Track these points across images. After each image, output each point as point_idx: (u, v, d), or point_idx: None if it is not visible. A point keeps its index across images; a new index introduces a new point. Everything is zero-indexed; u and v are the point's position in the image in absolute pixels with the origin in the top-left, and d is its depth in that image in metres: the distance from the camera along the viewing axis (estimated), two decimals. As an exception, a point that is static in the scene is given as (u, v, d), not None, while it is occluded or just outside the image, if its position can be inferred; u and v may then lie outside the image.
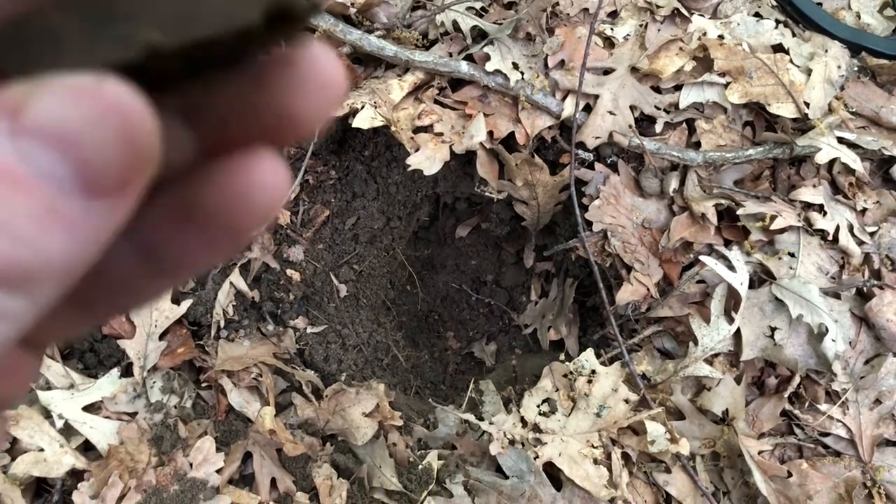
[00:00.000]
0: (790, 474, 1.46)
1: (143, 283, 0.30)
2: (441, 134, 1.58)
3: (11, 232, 0.21)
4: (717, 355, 1.53)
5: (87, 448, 1.37)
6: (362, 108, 1.57)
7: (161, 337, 1.49)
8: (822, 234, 1.60)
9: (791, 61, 1.68)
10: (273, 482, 1.44)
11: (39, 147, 0.22)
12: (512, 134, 1.61)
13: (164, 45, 0.23)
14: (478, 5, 1.67)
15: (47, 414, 1.35)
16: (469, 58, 1.63)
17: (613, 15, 1.73)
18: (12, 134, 0.21)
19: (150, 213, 0.28)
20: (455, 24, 1.64)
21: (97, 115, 0.22)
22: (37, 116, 0.22)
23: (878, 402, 1.52)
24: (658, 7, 1.69)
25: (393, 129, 1.57)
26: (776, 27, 1.72)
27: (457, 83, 1.66)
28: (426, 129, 1.60)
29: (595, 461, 1.44)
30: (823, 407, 1.52)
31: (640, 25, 1.69)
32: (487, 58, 1.60)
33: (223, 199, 0.27)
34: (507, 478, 1.44)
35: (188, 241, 0.29)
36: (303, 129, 0.28)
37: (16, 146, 0.22)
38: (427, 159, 1.55)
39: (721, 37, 1.68)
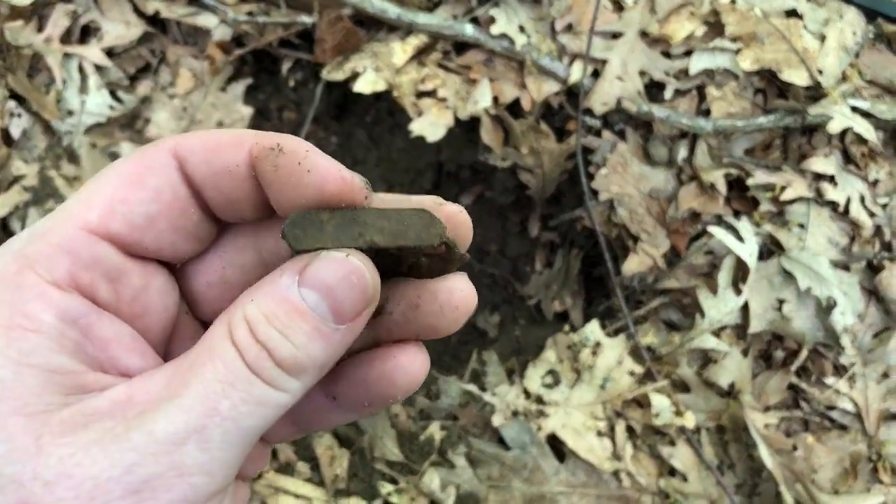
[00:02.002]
0: (795, 448, 1.45)
1: (332, 415, 0.50)
2: (445, 99, 1.55)
3: (294, 341, 0.39)
4: (723, 328, 1.50)
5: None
6: (364, 72, 1.53)
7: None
8: (832, 205, 1.57)
9: (805, 27, 1.64)
10: (274, 452, 1.42)
11: (313, 293, 0.40)
12: (517, 100, 1.57)
13: (379, 244, 0.42)
14: (484, -34, 1.63)
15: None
16: (474, 20, 1.59)
17: (623, -23, 1.68)
18: (299, 284, 0.40)
19: (337, 376, 0.47)
20: (460, -15, 1.59)
21: (345, 276, 0.40)
22: (313, 275, 0.40)
23: (885, 376, 1.50)
24: (669, -31, 1.64)
25: (395, 93, 1.53)
26: (790, -9, 1.68)
27: (461, 47, 1.61)
28: (429, 94, 1.56)
29: (599, 433, 1.43)
30: (830, 380, 1.50)
31: (651, -12, 1.64)
32: (493, 20, 1.56)
33: (380, 374, 0.46)
34: (509, 449, 1.42)
35: (358, 396, 0.48)
36: (441, 335, 0.47)
37: (301, 291, 0.40)
38: (430, 125, 1.51)
39: (733, 1, 1.64)
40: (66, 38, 1.59)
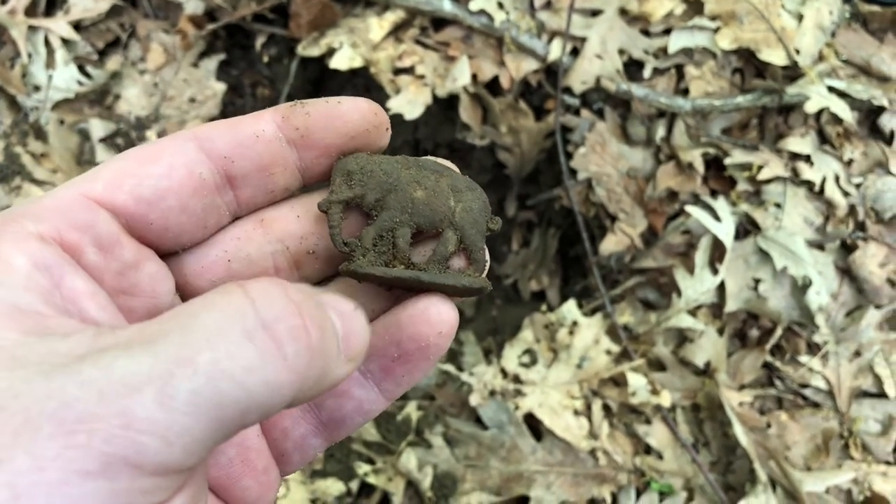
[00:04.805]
0: (769, 425, 1.47)
1: (359, 391, 0.48)
2: (423, 76, 1.52)
3: (330, 334, 0.36)
4: (700, 307, 1.51)
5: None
6: (340, 47, 1.50)
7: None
8: (808, 184, 1.57)
9: (783, 6, 1.63)
10: (249, 433, 1.41)
11: (335, 313, 0.38)
12: (496, 77, 1.56)
13: (408, 238, 0.50)
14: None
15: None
16: (452, -4, 1.56)
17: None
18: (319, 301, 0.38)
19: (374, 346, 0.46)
20: (438, -40, 1.57)
21: (353, 317, 0.39)
22: (335, 302, 0.39)
23: (857, 354, 1.52)
24: (649, -54, 1.63)
25: (373, 70, 1.51)
26: (769, -30, 1.67)
27: (439, 23, 1.59)
28: (407, 70, 1.54)
29: (575, 412, 1.43)
30: (804, 359, 1.51)
31: (630, -35, 1.63)
32: (471, -4, 1.54)
33: (411, 313, 0.46)
34: (486, 429, 1.42)
35: (389, 344, 0.46)
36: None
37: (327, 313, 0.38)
38: (408, 103, 1.49)
39: (713, -21, 1.63)
40: (31, 11, 1.54)
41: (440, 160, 0.51)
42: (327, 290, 0.45)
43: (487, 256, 0.51)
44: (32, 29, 1.54)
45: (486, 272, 0.51)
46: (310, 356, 0.34)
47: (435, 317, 0.46)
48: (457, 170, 0.51)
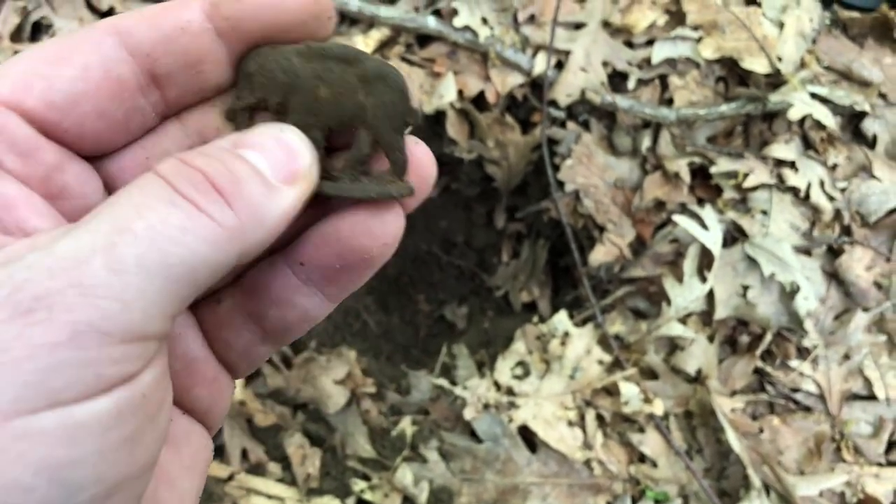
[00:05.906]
0: (761, 430, 1.48)
1: (302, 299, 0.45)
2: (409, 93, 1.53)
3: (236, 172, 0.36)
4: (689, 315, 1.52)
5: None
6: (326, 66, 1.51)
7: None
8: (794, 190, 1.59)
9: (763, 14, 1.65)
10: (244, 453, 1.41)
11: (252, 151, 0.38)
12: (482, 92, 1.57)
13: (319, 140, 0.43)
14: (444, -43, 1.61)
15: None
16: (436, 13, 1.57)
17: (584, -33, 1.68)
18: (234, 146, 0.38)
19: (303, 240, 0.43)
20: (421, -23, 1.58)
21: (278, 141, 0.40)
22: (250, 137, 0.39)
23: (846, 357, 1.54)
24: (630, -41, 1.65)
25: (359, 88, 1.52)
26: (749, -21, 1.69)
27: (424, 39, 1.60)
28: (393, 88, 1.54)
29: (569, 423, 1.44)
30: (794, 363, 1.53)
31: (612, -22, 1.64)
32: (455, 13, 1.54)
33: (353, 224, 0.43)
34: (481, 442, 1.43)
35: (329, 255, 0.43)
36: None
37: (237, 149, 0.38)
38: (395, 120, 1.50)
39: (694, -11, 1.64)
40: (16, 36, 1.54)
41: (349, 46, 0.45)
42: (255, 127, 0.41)
43: (417, 153, 0.46)
44: (18, 54, 1.54)
45: (409, 173, 0.45)
46: (234, 210, 0.35)
47: (377, 228, 0.43)
48: (368, 54, 0.46)
